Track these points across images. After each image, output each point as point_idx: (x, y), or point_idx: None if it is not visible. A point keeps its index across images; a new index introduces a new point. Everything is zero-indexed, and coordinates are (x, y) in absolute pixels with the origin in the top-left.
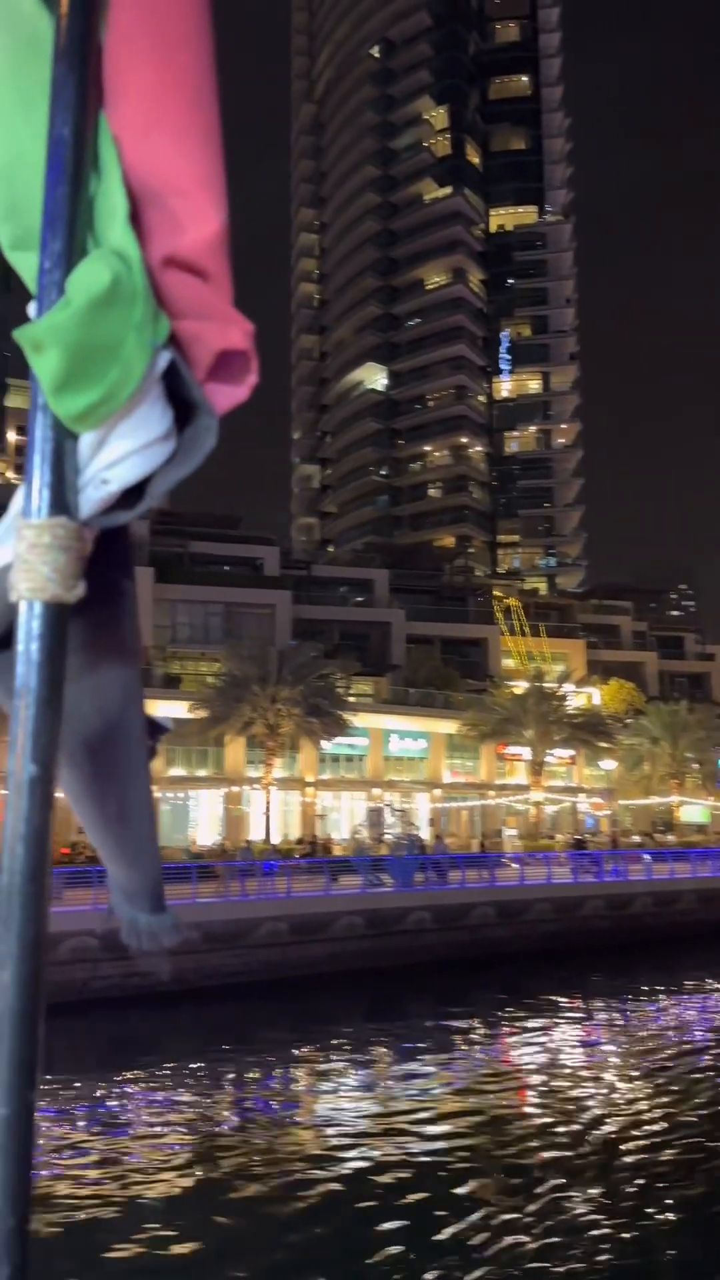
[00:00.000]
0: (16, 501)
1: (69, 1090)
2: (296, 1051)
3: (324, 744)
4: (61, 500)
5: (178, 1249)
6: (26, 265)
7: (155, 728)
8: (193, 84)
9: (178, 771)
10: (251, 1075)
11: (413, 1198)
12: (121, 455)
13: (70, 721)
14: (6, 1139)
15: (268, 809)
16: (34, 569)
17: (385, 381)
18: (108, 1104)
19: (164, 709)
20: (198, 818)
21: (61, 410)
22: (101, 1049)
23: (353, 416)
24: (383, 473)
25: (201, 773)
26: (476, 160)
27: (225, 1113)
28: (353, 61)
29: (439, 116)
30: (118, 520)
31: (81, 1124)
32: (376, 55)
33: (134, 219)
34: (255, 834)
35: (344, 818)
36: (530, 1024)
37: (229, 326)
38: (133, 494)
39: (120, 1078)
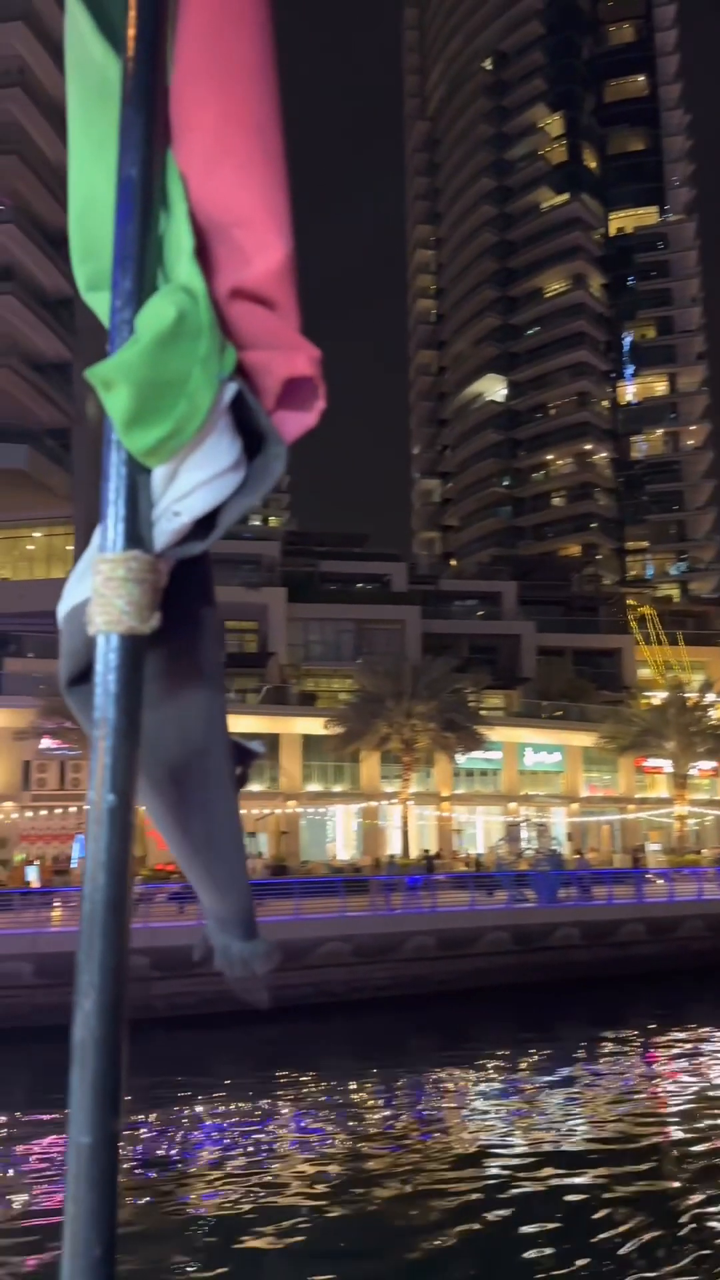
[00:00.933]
0: (96, 540)
1: (224, 1098)
2: (446, 1066)
3: (458, 758)
4: (136, 534)
5: (323, 1264)
6: (102, 305)
7: (245, 753)
8: (255, 115)
9: (314, 787)
10: (402, 1089)
11: (559, 1220)
12: (192, 487)
13: (154, 750)
14: (91, 1167)
15: (405, 824)
16: (109, 602)
17: (505, 392)
18: (260, 1111)
19: (300, 726)
20: (335, 832)
21: (133, 445)
22: (256, 1058)
23: (473, 429)
24: (505, 484)
25: (338, 788)
26: (594, 165)
27: (374, 1126)
28: (465, 76)
29: (554, 124)
30: (191, 551)
31: (233, 1131)
32: (489, 68)
33: (201, 252)
34: (392, 849)
35: (479, 832)
36: (685, 1045)
37: (296, 354)
38: (205, 524)
39: (273, 1087)
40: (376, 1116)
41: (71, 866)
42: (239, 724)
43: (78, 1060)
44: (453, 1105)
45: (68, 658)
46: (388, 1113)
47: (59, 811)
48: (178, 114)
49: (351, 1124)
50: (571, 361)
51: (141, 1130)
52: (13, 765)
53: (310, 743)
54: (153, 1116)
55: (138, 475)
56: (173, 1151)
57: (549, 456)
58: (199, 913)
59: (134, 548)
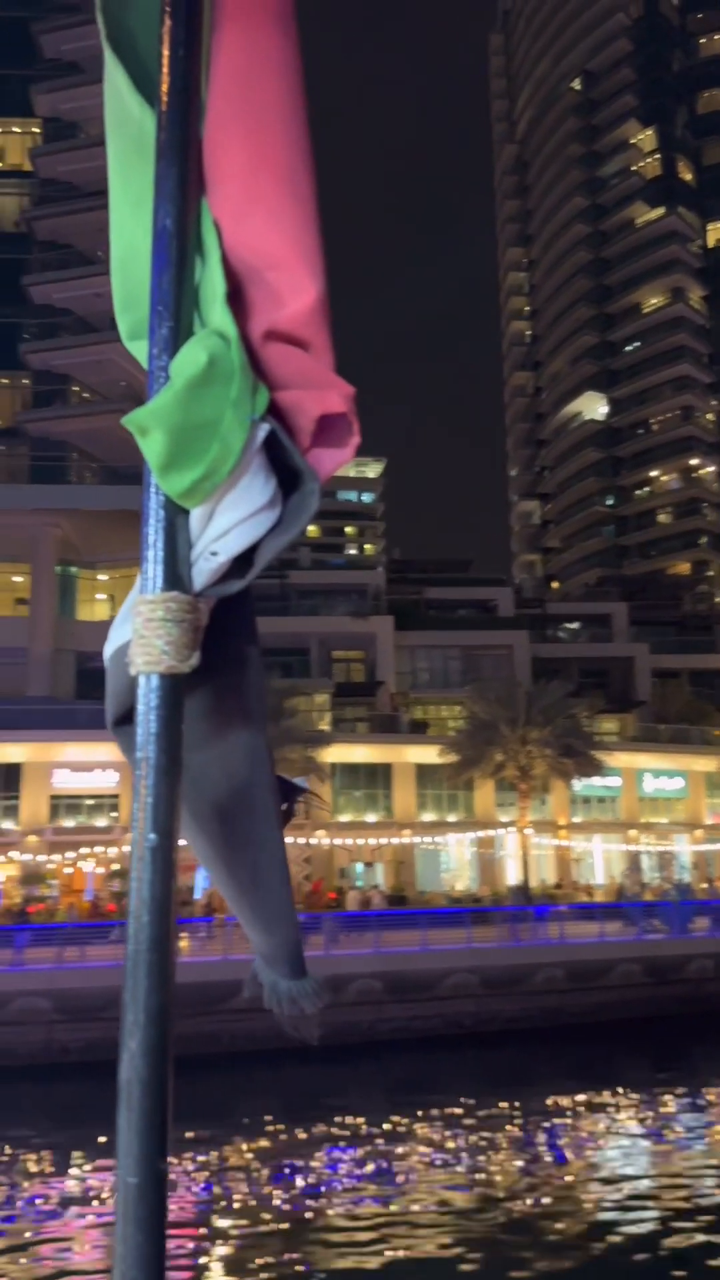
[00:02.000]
0: (138, 586)
1: (356, 1129)
2: (579, 1103)
3: (575, 785)
4: (174, 574)
5: None
6: (143, 353)
7: (291, 789)
8: (286, 161)
9: (429, 816)
10: (535, 1121)
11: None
12: (228, 526)
13: (199, 788)
14: (139, 1207)
15: (524, 853)
16: (149, 643)
17: (605, 409)
18: (390, 1144)
19: (412, 754)
20: (450, 862)
21: (169, 488)
22: (388, 1090)
23: (572, 448)
24: (607, 503)
25: (452, 817)
26: (689, 177)
27: (507, 1159)
28: (553, 97)
29: (646, 139)
30: (229, 589)
31: (363, 1164)
32: (577, 87)
33: (236, 295)
34: (510, 878)
35: (598, 861)
36: None
37: (329, 392)
38: (243, 562)
39: (403, 1119)
40: (506, 1159)
41: (195, 898)
42: (350, 753)
43: (124, 1100)
44: (587, 1147)
45: (113, 698)
46: (518, 1154)
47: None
48: (210, 162)
49: (479, 1165)
50: (673, 376)
51: (277, 1162)
52: (125, 800)
53: (423, 771)
54: (287, 1144)
55: (176, 516)
56: (309, 1179)
57: (653, 473)
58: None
59: (173, 588)
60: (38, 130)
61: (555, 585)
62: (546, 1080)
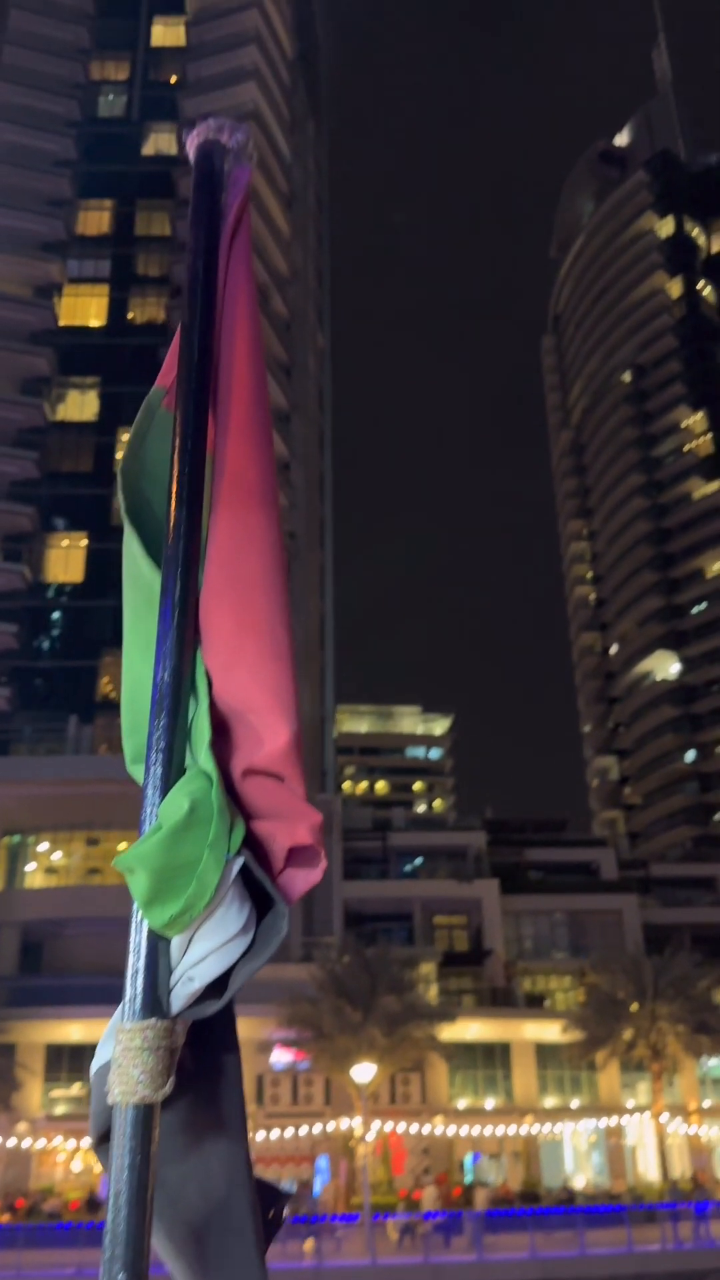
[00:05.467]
0: (121, 1007)
1: None
2: None
3: (707, 1064)
4: (154, 1000)
5: None
6: (141, 777)
7: (275, 1195)
8: (266, 624)
9: (550, 1101)
10: None
11: None
12: (204, 954)
13: (175, 1208)
14: None
15: (661, 1142)
16: (126, 1072)
17: (677, 668)
18: None
19: (529, 1031)
20: (574, 1151)
21: (152, 921)
22: None
23: (646, 705)
24: (688, 759)
25: (575, 1102)
26: None
27: None
28: (606, 389)
29: (697, 421)
30: (205, 1012)
31: None
32: (627, 380)
33: (222, 731)
34: (644, 1170)
35: None
36: None
37: (299, 823)
38: (219, 984)
39: None
40: None
41: (314, 1195)
42: (461, 1031)
43: None
44: None
45: (95, 1118)
46: None
47: (291, 1133)
48: (205, 621)
49: None
50: None
51: None
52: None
53: (541, 1050)
54: None
55: (158, 944)
56: None
57: None
58: None
59: (152, 1014)
60: None
61: (632, 842)
62: None
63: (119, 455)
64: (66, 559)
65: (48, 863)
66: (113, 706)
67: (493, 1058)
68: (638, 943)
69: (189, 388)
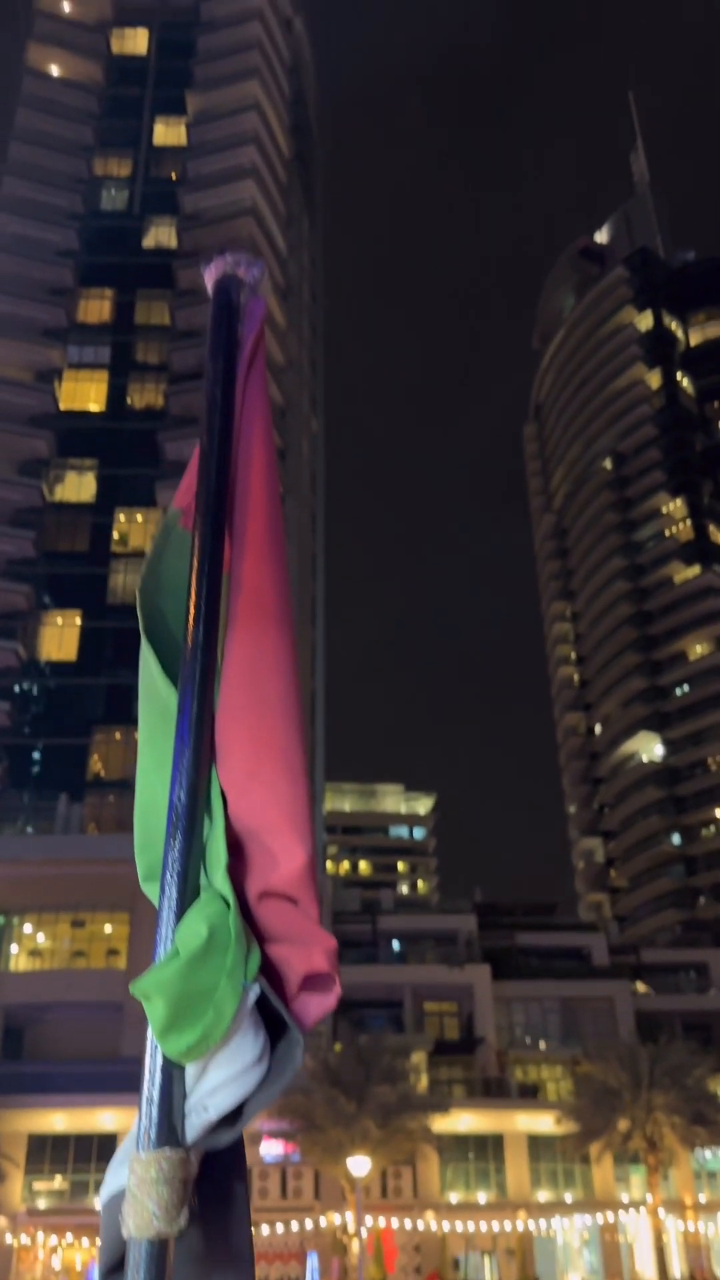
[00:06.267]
0: (134, 1130)
1: None
2: None
3: (702, 1157)
4: (169, 1129)
5: None
6: (155, 894)
7: None
8: (281, 743)
9: (544, 1195)
10: None
11: None
12: (219, 1083)
13: None
14: None
15: (658, 1239)
16: (141, 1205)
17: (661, 750)
18: None
19: (523, 1122)
20: (568, 1248)
21: (168, 1049)
22: None
23: (631, 786)
24: (674, 841)
25: (569, 1196)
26: None
27: None
28: (586, 475)
29: (677, 507)
30: (219, 1143)
31: None
32: (608, 467)
33: (237, 850)
34: (640, 1269)
35: None
36: None
37: (314, 948)
38: (233, 1113)
39: None
40: None
41: None
42: (453, 1122)
43: None
44: None
45: (106, 1248)
46: None
47: (281, 1229)
48: (222, 739)
49: None
50: None
51: None
52: None
53: (534, 1142)
54: None
55: (173, 1071)
56: None
57: (718, 812)
58: None
59: (167, 1143)
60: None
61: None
62: None
63: (115, 535)
64: (60, 637)
65: (32, 944)
66: (103, 785)
67: (485, 1150)
68: (630, 1030)
69: (208, 509)
